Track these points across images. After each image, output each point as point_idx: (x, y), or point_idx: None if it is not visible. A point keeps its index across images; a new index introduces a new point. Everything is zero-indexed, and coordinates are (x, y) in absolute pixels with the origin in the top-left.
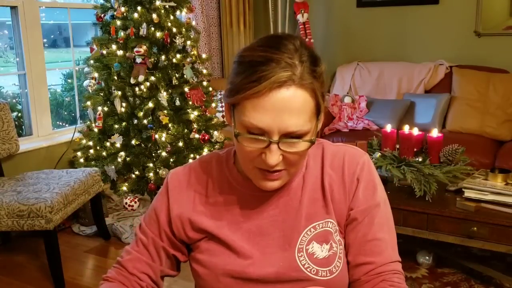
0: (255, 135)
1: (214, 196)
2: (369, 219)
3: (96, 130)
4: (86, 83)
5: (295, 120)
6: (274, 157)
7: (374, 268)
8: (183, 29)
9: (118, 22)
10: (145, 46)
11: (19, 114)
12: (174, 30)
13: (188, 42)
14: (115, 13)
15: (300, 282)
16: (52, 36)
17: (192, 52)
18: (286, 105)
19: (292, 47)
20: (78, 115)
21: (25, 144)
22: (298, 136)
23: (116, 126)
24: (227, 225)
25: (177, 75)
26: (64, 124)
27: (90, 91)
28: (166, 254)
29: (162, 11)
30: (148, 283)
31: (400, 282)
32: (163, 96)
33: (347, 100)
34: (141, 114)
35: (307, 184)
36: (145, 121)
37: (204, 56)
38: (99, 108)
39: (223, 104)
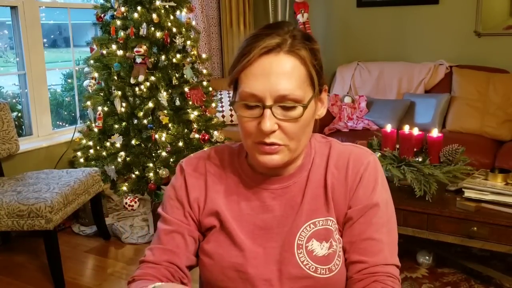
0: (251, 102)
1: (224, 186)
2: (366, 218)
3: (96, 130)
4: (86, 83)
5: (285, 84)
6: (268, 122)
7: (366, 267)
8: (183, 29)
9: (118, 22)
10: (145, 46)
11: (19, 114)
12: (174, 30)
13: (188, 42)
14: (115, 13)
15: (299, 280)
16: (52, 36)
17: (192, 52)
18: (275, 69)
19: (285, 28)
20: (78, 115)
21: (25, 144)
22: (291, 101)
23: (116, 126)
24: (234, 216)
25: (177, 75)
26: (64, 124)
27: (90, 91)
28: (193, 238)
29: (162, 11)
30: (175, 270)
31: (394, 287)
32: (163, 96)
33: (347, 100)
34: (141, 114)
35: (311, 181)
36: (145, 121)
37: (204, 56)
38: (99, 108)
39: (223, 104)
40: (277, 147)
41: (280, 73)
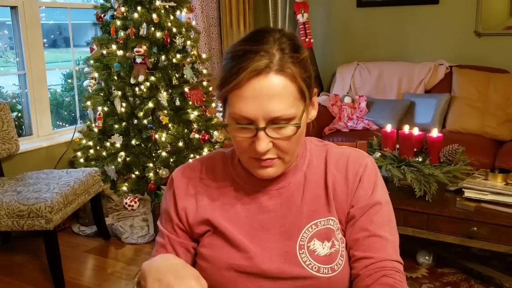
0: (244, 125)
1: (217, 191)
2: (368, 216)
3: (96, 130)
4: (86, 83)
5: (277, 105)
6: (262, 144)
7: (373, 263)
8: (183, 29)
9: (118, 22)
10: (145, 46)
11: (19, 114)
12: (174, 30)
13: (188, 42)
14: (115, 13)
15: (302, 280)
16: (52, 36)
17: (192, 52)
18: (266, 91)
19: (271, 39)
20: (78, 115)
21: (25, 144)
22: (284, 121)
23: (116, 126)
24: (229, 219)
25: (177, 75)
26: (64, 124)
27: (90, 91)
28: (186, 249)
29: (162, 11)
30: None
31: (402, 281)
32: (163, 96)
33: (347, 100)
34: (141, 114)
35: (309, 181)
36: (145, 121)
37: (204, 56)
38: (99, 108)
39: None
40: (272, 161)
41: (271, 94)
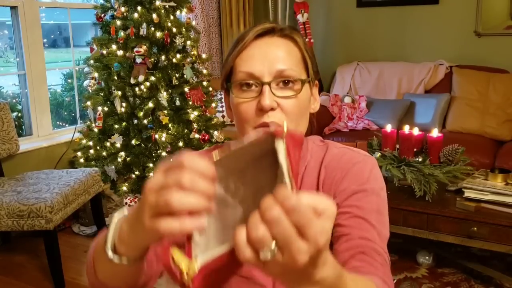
0: (249, 80)
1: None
2: (351, 201)
3: (96, 130)
4: (86, 83)
5: (282, 60)
6: (267, 99)
7: (351, 239)
8: (183, 29)
9: (118, 22)
10: (145, 46)
11: (19, 114)
12: (174, 30)
13: (188, 42)
14: (115, 13)
15: None
16: (52, 36)
17: (192, 52)
18: (271, 48)
19: (275, 24)
20: (78, 115)
21: (25, 144)
22: (289, 77)
23: (116, 126)
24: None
25: (177, 75)
26: (64, 124)
27: (90, 91)
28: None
29: (162, 11)
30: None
31: (383, 265)
32: (163, 96)
33: (347, 100)
34: (141, 114)
35: (305, 184)
36: (145, 121)
37: (204, 56)
38: (99, 108)
39: (223, 104)
40: None
41: (277, 51)
